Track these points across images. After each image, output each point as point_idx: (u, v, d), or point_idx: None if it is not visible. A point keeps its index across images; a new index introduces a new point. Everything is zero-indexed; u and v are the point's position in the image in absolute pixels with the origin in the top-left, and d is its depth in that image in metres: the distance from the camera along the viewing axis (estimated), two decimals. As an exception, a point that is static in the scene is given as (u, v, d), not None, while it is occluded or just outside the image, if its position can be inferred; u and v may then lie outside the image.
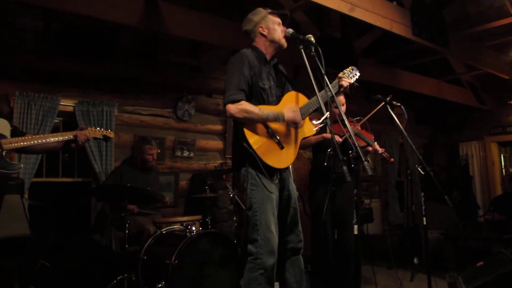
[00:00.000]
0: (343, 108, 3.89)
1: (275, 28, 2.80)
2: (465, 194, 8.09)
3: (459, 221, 6.62)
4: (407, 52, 6.81)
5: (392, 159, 4.09)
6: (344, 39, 5.65)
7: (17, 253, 3.44)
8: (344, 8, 3.91)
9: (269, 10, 2.84)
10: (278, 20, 2.82)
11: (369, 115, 3.79)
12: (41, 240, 4.05)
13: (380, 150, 3.92)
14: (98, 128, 2.84)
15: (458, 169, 8.53)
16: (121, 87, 5.11)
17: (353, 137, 2.51)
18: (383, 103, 3.54)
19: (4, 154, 2.26)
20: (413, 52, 6.85)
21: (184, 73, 5.64)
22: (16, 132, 2.45)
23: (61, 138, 2.54)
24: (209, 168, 5.78)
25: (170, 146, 5.51)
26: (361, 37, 5.75)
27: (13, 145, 2.31)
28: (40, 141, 2.45)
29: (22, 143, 2.35)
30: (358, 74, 2.99)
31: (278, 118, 2.65)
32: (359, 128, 3.91)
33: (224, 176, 5.59)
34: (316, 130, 2.87)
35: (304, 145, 3.71)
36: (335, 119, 3.20)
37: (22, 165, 2.46)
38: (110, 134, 2.88)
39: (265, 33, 2.80)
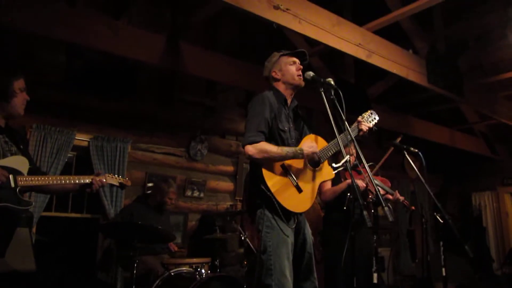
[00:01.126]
0: (352, 158, 3.87)
1: (287, 69, 2.80)
2: (479, 245, 7.87)
3: (474, 274, 6.40)
4: (419, 100, 6.86)
5: (413, 207, 4.00)
6: (358, 85, 5.72)
7: (21, 289, 3.33)
8: (362, 55, 3.97)
9: (282, 52, 2.87)
10: (292, 59, 2.82)
11: (382, 161, 3.76)
12: (46, 277, 3.95)
13: (401, 198, 3.85)
14: (116, 176, 2.82)
15: (471, 219, 8.35)
16: (136, 124, 5.14)
17: (374, 182, 2.46)
18: (392, 148, 3.51)
19: (17, 190, 2.27)
20: (425, 100, 6.90)
21: (199, 113, 5.69)
22: (34, 171, 2.47)
23: (77, 182, 2.53)
24: (219, 209, 5.70)
25: (180, 186, 5.46)
26: (375, 84, 5.82)
27: (28, 182, 2.32)
28: (55, 181, 2.46)
29: (37, 182, 2.37)
30: (377, 118, 2.97)
31: (297, 155, 2.61)
32: (377, 176, 3.87)
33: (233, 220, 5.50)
34: (333, 174, 2.82)
35: (332, 196, 3.67)
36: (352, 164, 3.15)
37: (33, 203, 2.45)
38: (127, 182, 2.85)
39: (278, 76, 2.82)
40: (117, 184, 2.80)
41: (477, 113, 7.32)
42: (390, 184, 3.92)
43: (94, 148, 4.76)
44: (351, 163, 3.36)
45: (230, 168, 5.96)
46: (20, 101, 2.44)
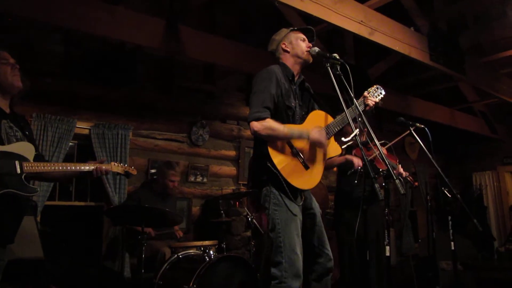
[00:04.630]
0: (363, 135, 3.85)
1: (298, 43, 2.76)
2: (480, 225, 7.91)
3: (477, 253, 6.44)
4: (419, 80, 6.83)
5: (416, 183, 3.99)
6: (358, 66, 5.68)
7: (29, 276, 3.33)
8: (364, 32, 3.93)
9: (291, 28, 2.84)
10: (301, 36, 2.79)
11: (396, 140, 3.75)
12: (53, 265, 3.94)
13: (405, 173, 3.84)
14: (121, 164, 2.78)
15: (472, 199, 8.38)
16: (137, 111, 5.11)
17: (383, 156, 2.44)
18: (408, 129, 3.48)
19: (23, 177, 2.23)
20: (425, 80, 6.88)
21: (199, 99, 5.65)
22: (39, 158, 2.43)
23: (82, 169, 2.49)
24: (223, 194, 5.68)
25: (183, 171, 5.44)
26: (374, 65, 5.79)
27: (34, 168, 2.28)
28: (60, 168, 2.42)
29: (43, 168, 2.33)
30: (383, 92, 2.93)
31: (302, 136, 2.58)
32: (385, 151, 3.85)
33: (237, 203, 5.49)
34: (343, 150, 2.80)
35: (327, 167, 3.64)
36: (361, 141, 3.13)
37: (38, 189, 2.41)
38: (133, 171, 2.82)
39: (288, 49, 2.77)
40: (123, 172, 2.77)
41: (477, 92, 7.30)
42: (397, 161, 3.92)
43: (95, 136, 4.72)
44: (363, 138, 3.35)
45: (232, 153, 5.95)
46: (4, 69, 2.33)
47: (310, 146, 2.67)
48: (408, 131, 3.45)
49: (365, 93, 2.92)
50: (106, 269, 4.49)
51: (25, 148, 2.32)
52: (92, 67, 4.71)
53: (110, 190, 4.67)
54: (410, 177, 3.91)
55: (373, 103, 2.88)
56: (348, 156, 3.52)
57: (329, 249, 2.73)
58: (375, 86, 2.96)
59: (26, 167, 2.24)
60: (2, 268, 2.24)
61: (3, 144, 2.21)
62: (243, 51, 4.67)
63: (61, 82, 4.57)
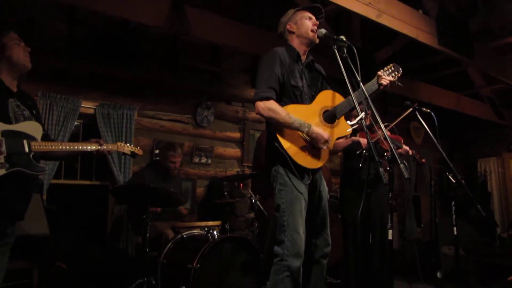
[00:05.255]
0: (367, 117, 3.84)
1: (302, 23, 2.73)
2: (483, 210, 7.92)
3: (480, 238, 6.46)
4: (425, 64, 6.75)
5: (423, 160, 3.97)
6: (365, 49, 5.62)
7: (36, 253, 3.38)
8: (371, 14, 3.88)
9: (297, 8, 2.81)
10: (308, 14, 2.75)
11: (398, 120, 3.72)
12: (58, 242, 4.00)
13: (411, 151, 3.84)
14: (128, 144, 2.79)
15: (477, 185, 8.38)
16: (141, 91, 5.11)
17: (388, 138, 2.43)
18: (411, 108, 3.47)
19: (31, 156, 2.24)
20: (431, 64, 6.80)
21: (204, 79, 5.63)
22: (45, 138, 2.44)
23: (89, 148, 2.49)
24: (227, 175, 5.71)
25: (188, 152, 5.46)
26: (380, 49, 5.72)
27: (42, 148, 2.29)
28: (67, 148, 2.43)
29: (50, 147, 2.34)
30: (400, 71, 2.85)
31: (301, 128, 2.56)
32: (389, 133, 3.84)
33: (241, 185, 5.52)
34: (350, 130, 2.79)
35: (333, 151, 3.64)
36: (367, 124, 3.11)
37: (46, 168, 2.43)
38: (139, 151, 2.82)
39: (293, 30, 2.75)
40: (129, 153, 2.78)
41: (484, 77, 7.22)
42: (402, 141, 3.91)
43: (100, 115, 4.73)
44: (367, 122, 3.34)
45: (237, 135, 5.95)
46: (17, 50, 2.32)
47: (320, 125, 2.66)
48: (411, 109, 3.42)
49: (380, 72, 2.87)
50: (111, 247, 4.54)
51: (33, 127, 2.32)
52: (96, 45, 4.70)
53: (116, 170, 4.70)
54: (418, 155, 3.90)
55: (387, 82, 2.81)
56: (354, 138, 3.52)
57: (329, 234, 2.76)
58: (392, 64, 2.90)
59: (34, 146, 2.25)
60: (11, 244, 2.28)
61: (10, 123, 2.21)
62: (248, 32, 4.63)
63: (66, 61, 4.56)
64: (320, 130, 2.56)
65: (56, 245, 3.95)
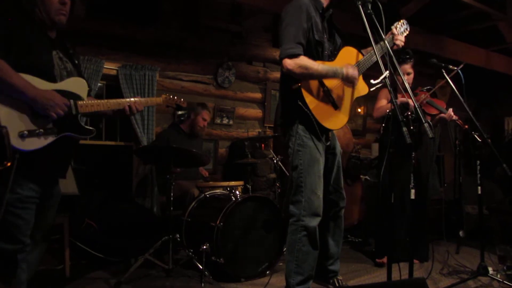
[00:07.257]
0: (410, 77, 3.77)
1: None
2: (509, 170, 7.78)
3: (504, 197, 6.39)
4: (453, 20, 6.47)
5: (466, 126, 3.90)
6: (391, 5, 5.42)
7: (67, 210, 3.52)
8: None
9: None
10: None
11: (439, 85, 3.67)
12: (87, 201, 4.15)
13: (455, 116, 3.79)
14: (171, 96, 2.76)
15: (503, 144, 8.20)
16: (163, 52, 5.08)
17: (414, 101, 2.36)
18: (452, 72, 3.37)
19: (79, 117, 2.11)
20: (460, 19, 6.51)
21: (226, 39, 5.55)
22: (89, 94, 2.28)
23: (132, 101, 2.31)
24: (249, 136, 5.73)
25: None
26: (406, 5, 5.51)
27: (88, 108, 2.12)
28: (113, 106, 2.25)
29: (97, 107, 2.16)
30: (408, 27, 2.88)
31: (337, 74, 2.53)
32: (429, 97, 3.78)
33: (263, 146, 5.54)
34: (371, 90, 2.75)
35: (380, 113, 3.65)
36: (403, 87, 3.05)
37: (94, 130, 2.24)
38: (183, 103, 2.80)
39: None
40: (174, 105, 2.79)
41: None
42: (445, 106, 3.87)
43: (123, 76, 4.76)
44: (410, 85, 3.30)
45: (258, 95, 5.92)
46: (50, 2, 2.03)
47: (340, 86, 2.63)
48: (452, 74, 3.33)
49: (393, 29, 2.82)
50: (137, 205, 4.69)
51: (78, 85, 2.14)
52: (117, 5, 4.65)
53: (139, 131, 4.78)
54: (460, 121, 3.85)
55: (402, 43, 2.80)
56: (402, 99, 3.47)
57: (343, 188, 2.82)
58: (401, 20, 2.86)
59: (81, 107, 2.09)
60: (59, 200, 2.26)
61: (55, 81, 2.04)
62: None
63: (86, 22, 4.53)
64: (351, 71, 2.54)
65: (85, 204, 4.10)
